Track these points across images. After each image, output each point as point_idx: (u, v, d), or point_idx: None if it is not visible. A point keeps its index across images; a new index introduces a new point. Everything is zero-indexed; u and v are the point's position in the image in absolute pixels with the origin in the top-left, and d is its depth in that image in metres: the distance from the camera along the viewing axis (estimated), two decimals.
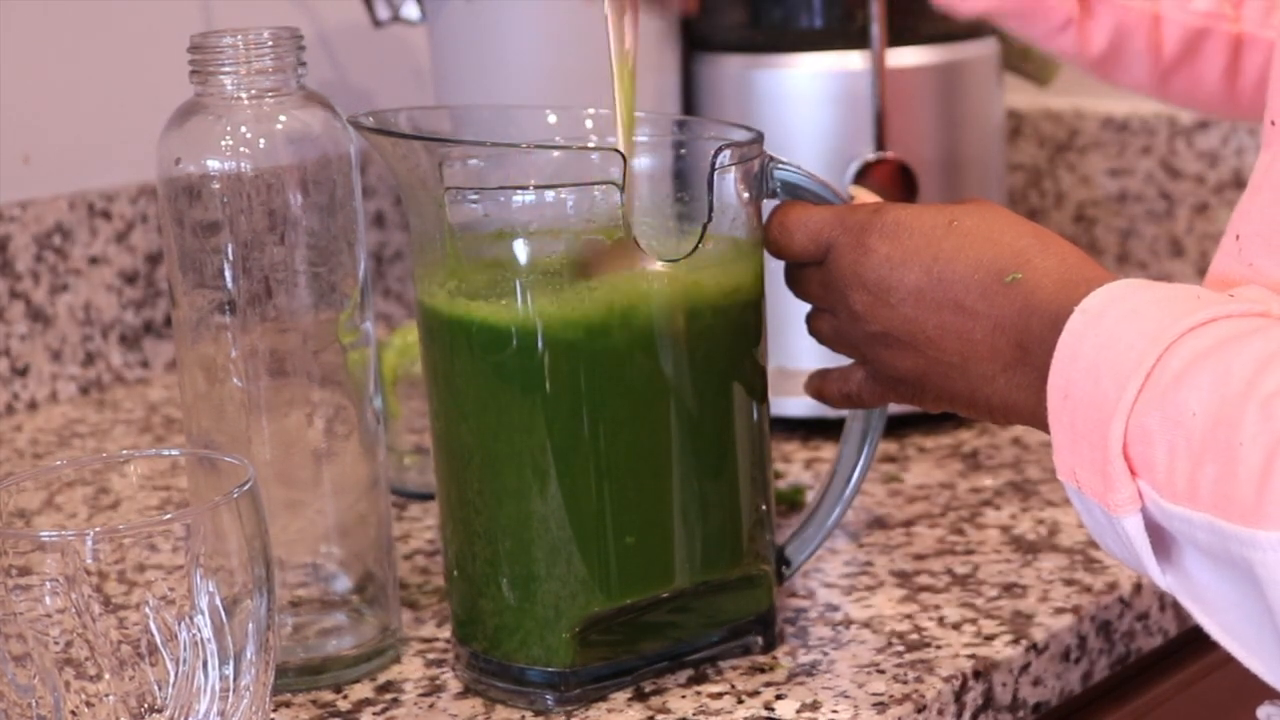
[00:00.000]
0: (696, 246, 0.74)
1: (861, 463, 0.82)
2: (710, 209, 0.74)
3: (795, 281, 0.78)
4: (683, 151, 0.81)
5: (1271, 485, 0.58)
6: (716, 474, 0.77)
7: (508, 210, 0.74)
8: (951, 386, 0.73)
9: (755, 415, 0.78)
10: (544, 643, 0.76)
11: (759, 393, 0.78)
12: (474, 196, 0.75)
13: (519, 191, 0.74)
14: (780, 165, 0.77)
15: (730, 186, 0.75)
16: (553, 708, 0.76)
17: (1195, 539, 0.61)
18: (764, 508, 0.79)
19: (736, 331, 0.77)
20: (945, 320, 0.71)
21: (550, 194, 0.74)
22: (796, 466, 1.03)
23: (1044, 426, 0.67)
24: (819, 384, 0.81)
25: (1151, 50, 1.02)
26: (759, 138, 0.77)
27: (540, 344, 0.73)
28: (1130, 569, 0.71)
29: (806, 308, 0.79)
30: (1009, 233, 0.71)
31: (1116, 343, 0.63)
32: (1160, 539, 0.63)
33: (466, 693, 0.78)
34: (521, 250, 0.74)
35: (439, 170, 0.74)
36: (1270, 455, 0.58)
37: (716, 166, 0.74)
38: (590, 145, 0.81)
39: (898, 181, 1.08)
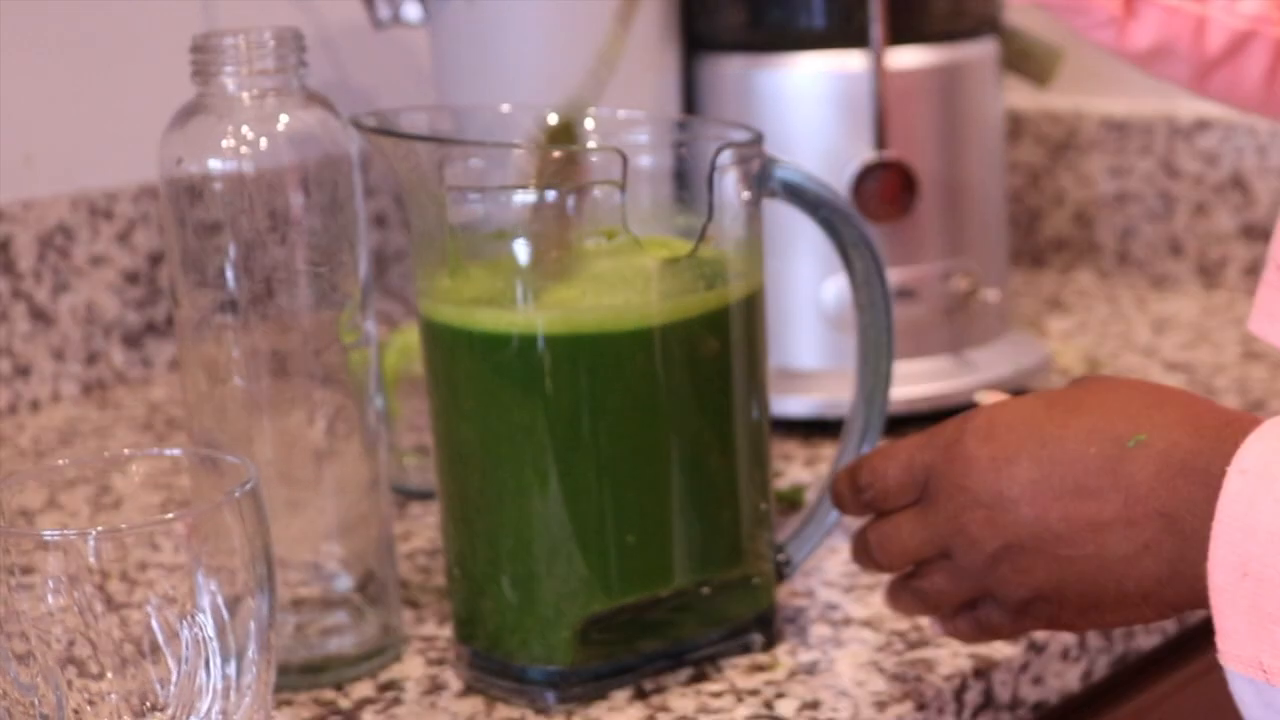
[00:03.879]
0: (697, 246, 0.74)
1: None
2: (710, 209, 0.74)
3: (888, 538, 0.70)
4: (683, 151, 0.81)
5: None
6: (716, 473, 0.77)
7: (508, 210, 0.75)
8: (1092, 586, 0.63)
9: (755, 414, 0.78)
10: (544, 641, 0.76)
11: (759, 392, 0.78)
12: (474, 196, 0.75)
13: (519, 191, 0.74)
14: (780, 165, 0.77)
15: (730, 186, 0.75)
16: (553, 706, 0.76)
17: None
18: (764, 507, 0.79)
19: (736, 331, 0.77)
20: (1070, 509, 0.62)
21: (551, 194, 0.74)
22: (796, 466, 1.04)
23: (1203, 603, 0.59)
24: (949, 624, 0.71)
25: (1195, 51, 0.99)
26: (759, 138, 0.77)
27: (540, 344, 0.73)
28: None
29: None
30: (1115, 395, 0.64)
31: None
32: None
33: (467, 691, 0.78)
34: (522, 250, 0.74)
35: (439, 170, 0.74)
36: None
37: (716, 166, 0.74)
38: (590, 145, 0.81)
39: (898, 182, 1.08)
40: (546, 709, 0.76)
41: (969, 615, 0.70)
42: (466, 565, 0.78)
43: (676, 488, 0.76)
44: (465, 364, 0.76)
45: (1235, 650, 0.57)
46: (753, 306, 0.77)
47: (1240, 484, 0.57)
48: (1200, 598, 0.58)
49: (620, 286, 0.74)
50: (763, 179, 0.77)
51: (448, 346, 0.76)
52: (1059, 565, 0.63)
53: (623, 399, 0.74)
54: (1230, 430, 0.59)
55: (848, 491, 0.72)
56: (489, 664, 0.78)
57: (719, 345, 0.76)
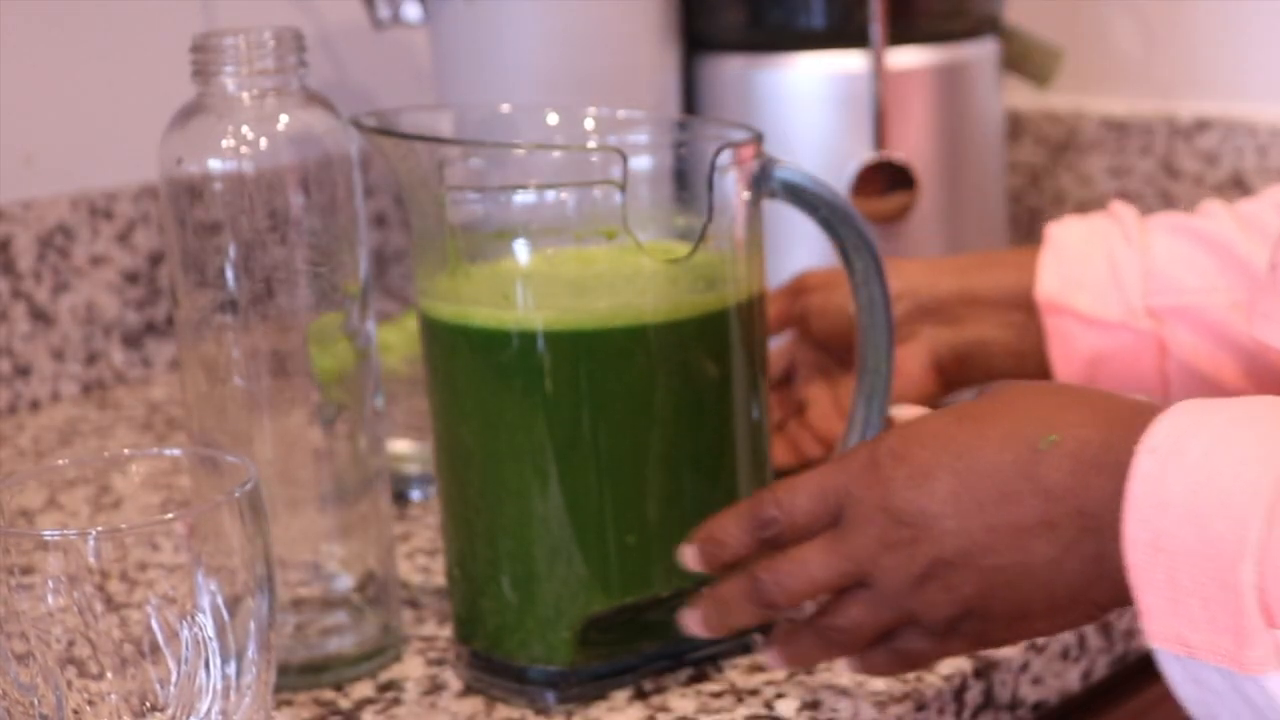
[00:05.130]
0: (696, 247, 0.74)
1: None
2: (710, 209, 0.74)
3: (790, 574, 0.67)
4: (683, 151, 0.81)
5: None
6: (716, 473, 0.77)
7: (508, 210, 0.75)
8: (1020, 595, 0.62)
9: (755, 415, 0.78)
10: (545, 641, 0.76)
11: (759, 392, 0.78)
12: (474, 196, 0.75)
13: (519, 191, 0.74)
14: (780, 165, 0.77)
15: (730, 186, 0.75)
16: (553, 706, 0.76)
17: None
18: None
19: (737, 331, 0.77)
20: (992, 518, 0.62)
21: (551, 194, 0.74)
22: None
23: (1128, 598, 0.59)
24: (864, 661, 0.69)
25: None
26: (759, 137, 0.77)
27: (540, 344, 0.74)
28: None
29: None
30: (1024, 400, 0.63)
31: (1215, 477, 0.55)
32: None
33: (467, 691, 0.78)
34: (522, 250, 0.74)
35: (440, 170, 0.74)
36: None
37: (716, 167, 0.74)
38: (590, 145, 0.81)
39: (898, 182, 1.08)
40: (547, 709, 0.76)
41: (885, 648, 0.68)
42: (466, 565, 0.78)
43: (676, 488, 0.76)
44: (465, 364, 0.76)
45: (1157, 628, 0.57)
46: (753, 308, 0.77)
47: (1149, 462, 0.57)
48: (1126, 592, 0.58)
49: (620, 287, 0.74)
50: (762, 179, 0.77)
51: (447, 345, 0.76)
52: (986, 577, 0.62)
53: (623, 399, 0.74)
54: (1140, 419, 0.59)
55: (742, 529, 0.68)
56: (489, 664, 0.78)
57: (719, 346, 0.76)
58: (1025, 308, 0.91)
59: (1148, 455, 0.57)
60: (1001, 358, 0.92)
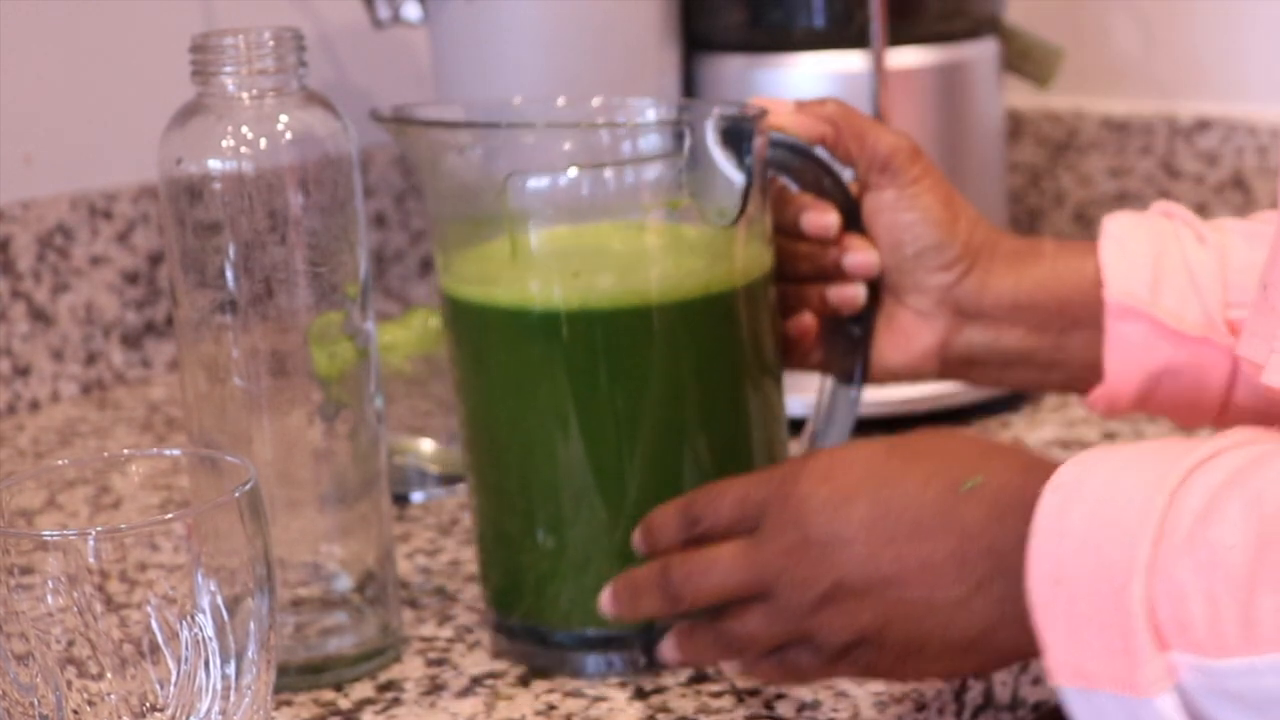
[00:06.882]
0: (743, 209, 0.75)
1: None
2: (749, 172, 0.75)
3: (702, 572, 0.67)
4: (689, 128, 0.82)
5: None
6: (733, 445, 0.78)
7: (558, 191, 0.76)
8: (918, 631, 0.62)
9: (770, 390, 0.80)
10: (582, 601, 0.77)
11: (773, 368, 0.80)
12: (537, 180, 0.76)
13: (576, 169, 0.75)
14: (785, 139, 0.79)
15: (732, 160, 0.76)
16: (590, 672, 0.77)
17: (1262, 693, 0.52)
18: None
19: (749, 304, 0.78)
20: (903, 551, 0.62)
21: (609, 173, 0.75)
22: None
23: (1032, 647, 0.58)
24: (751, 666, 0.68)
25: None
26: (762, 112, 0.78)
27: (559, 320, 0.75)
28: None
29: None
30: (953, 443, 0.64)
31: (1110, 502, 0.56)
32: None
33: (467, 691, 0.78)
34: (548, 221, 0.76)
35: (493, 158, 0.76)
36: None
37: (722, 140, 0.74)
38: (648, 120, 0.82)
39: None
40: (584, 674, 0.77)
41: (774, 658, 0.67)
42: (503, 526, 0.79)
43: (691, 459, 0.77)
44: (489, 339, 0.77)
45: (1057, 662, 0.56)
46: (764, 285, 0.79)
47: (1053, 499, 0.57)
48: (1031, 640, 0.58)
49: (635, 263, 0.76)
50: (771, 155, 0.78)
51: (472, 323, 0.78)
52: (886, 608, 0.62)
53: (639, 373, 0.76)
54: (1056, 467, 0.59)
55: (676, 523, 0.69)
56: (525, 631, 0.79)
57: (734, 318, 0.77)
58: (1068, 312, 0.81)
59: (1052, 493, 0.57)
60: (1020, 366, 0.83)
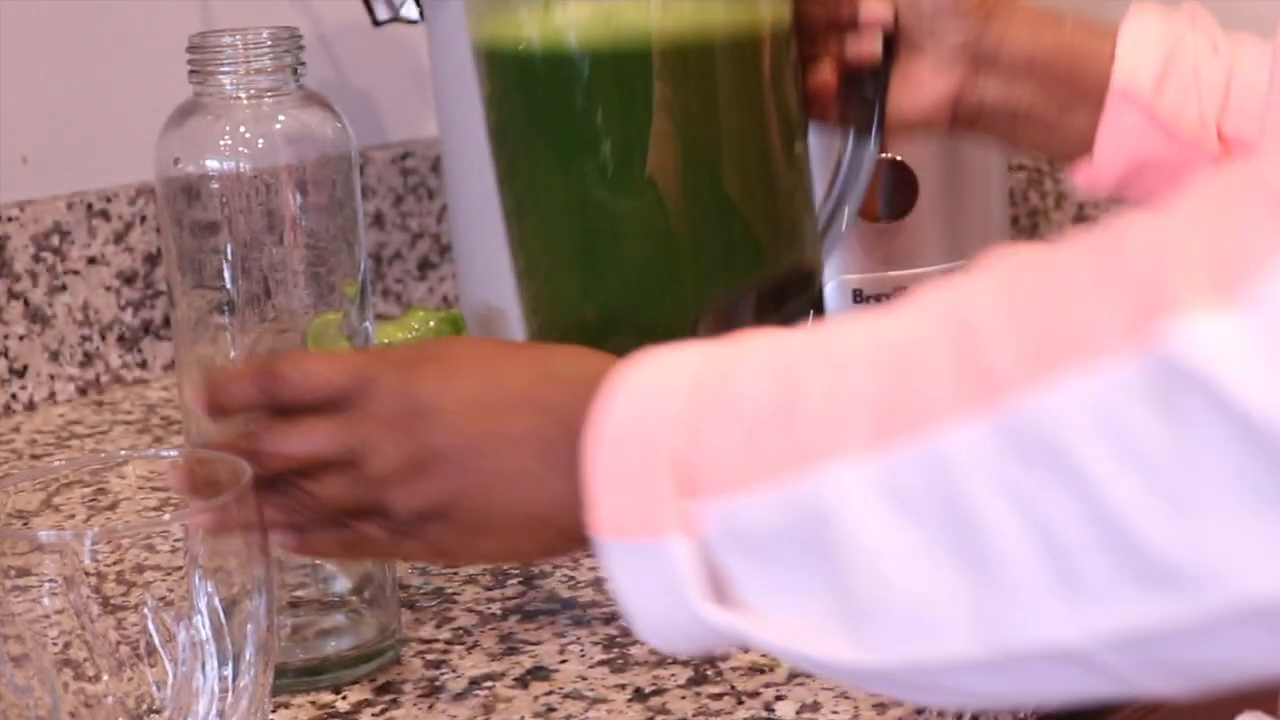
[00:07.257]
0: None
1: None
2: None
3: (288, 432, 0.66)
4: None
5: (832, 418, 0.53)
6: (763, 193, 0.82)
7: None
8: (488, 502, 0.63)
9: (797, 144, 0.83)
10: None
11: (797, 122, 0.83)
12: None
13: None
14: None
15: None
16: None
17: (766, 528, 0.54)
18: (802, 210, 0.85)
19: (774, 54, 0.81)
20: (489, 423, 0.63)
21: None
22: None
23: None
24: (309, 538, 0.67)
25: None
26: None
27: (584, 62, 0.79)
28: (688, 651, 0.61)
29: None
30: (586, 352, 0.65)
31: (664, 371, 0.58)
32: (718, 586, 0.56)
33: (466, 694, 0.78)
34: None
35: None
36: (832, 393, 0.53)
37: None
38: None
39: (898, 182, 1.08)
40: None
41: (336, 531, 0.66)
42: (538, 262, 0.83)
43: (724, 205, 0.81)
44: (520, 82, 0.81)
45: (597, 517, 0.57)
46: (786, 39, 0.82)
47: (624, 370, 0.59)
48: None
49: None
50: None
51: (506, 69, 0.81)
52: (467, 478, 0.63)
53: (678, 115, 0.79)
54: None
55: (248, 381, 0.67)
56: None
57: (758, 71, 0.81)
58: (1077, 84, 0.87)
59: (626, 365, 0.60)
60: (1027, 123, 0.88)
